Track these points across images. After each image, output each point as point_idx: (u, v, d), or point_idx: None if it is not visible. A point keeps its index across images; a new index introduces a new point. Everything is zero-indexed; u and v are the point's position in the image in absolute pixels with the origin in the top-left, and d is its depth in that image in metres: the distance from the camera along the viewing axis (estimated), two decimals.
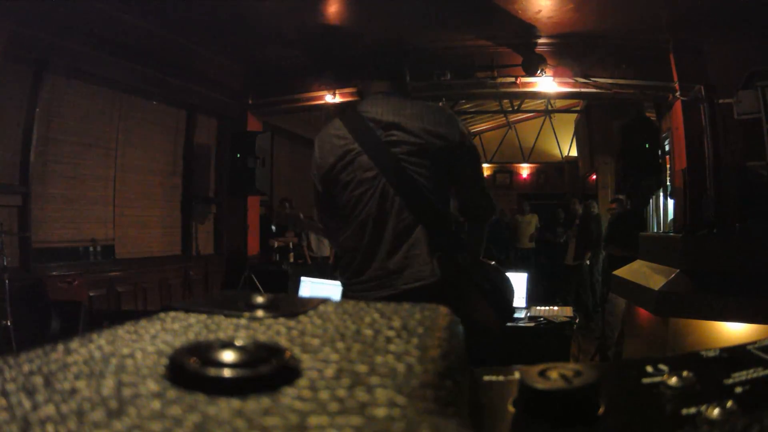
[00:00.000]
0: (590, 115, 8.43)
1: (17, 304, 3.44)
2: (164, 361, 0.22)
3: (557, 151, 12.06)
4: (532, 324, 3.26)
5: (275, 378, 0.20)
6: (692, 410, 0.27)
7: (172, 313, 0.30)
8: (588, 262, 6.52)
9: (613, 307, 4.09)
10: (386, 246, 1.55)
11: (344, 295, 1.76)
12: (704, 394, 0.29)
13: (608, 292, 5.90)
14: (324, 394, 0.19)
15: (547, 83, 5.21)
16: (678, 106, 4.97)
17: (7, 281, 3.38)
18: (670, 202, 5.97)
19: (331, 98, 5.64)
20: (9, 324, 3.32)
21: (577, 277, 6.61)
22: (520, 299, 3.66)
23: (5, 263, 3.42)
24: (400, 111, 1.59)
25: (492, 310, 1.58)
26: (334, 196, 1.65)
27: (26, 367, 0.21)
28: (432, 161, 1.56)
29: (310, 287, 3.19)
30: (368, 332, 0.27)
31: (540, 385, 0.26)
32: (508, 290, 1.66)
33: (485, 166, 12.35)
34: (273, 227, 6.25)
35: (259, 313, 0.30)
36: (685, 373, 0.30)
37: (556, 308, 3.57)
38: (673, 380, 0.29)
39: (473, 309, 1.54)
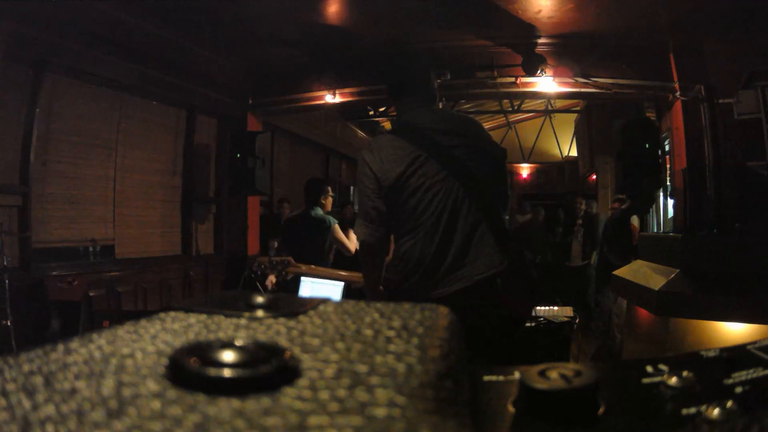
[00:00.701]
0: (590, 115, 8.43)
1: (17, 304, 3.44)
2: (164, 361, 0.22)
3: (557, 151, 12.06)
4: (532, 324, 3.25)
5: (275, 378, 0.20)
6: (692, 410, 0.27)
7: (172, 313, 0.30)
8: (593, 262, 6.52)
9: (621, 308, 4.09)
10: (458, 243, 1.65)
11: (401, 298, 1.77)
12: (704, 394, 0.29)
13: (597, 292, 5.96)
14: (324, 394, 0.19)
15: (547, 83, 5.21)
16: (678, 106, 4.97)
17: (7, 281, 3.38)
18: (670, 202, 5.97)
19: (331, 98, 5.64)
20: (9, 324, 3.32)
21: (582, 278, 6.60)
22: None
23: (5, 263, 3.42)
24: (449, 119, 1.81)
25: (533, 298, 1.79)
26: (399, 206, 1.72)
27: (26, 367, 0.21)
28: (486, 161, 1.73)
29: (310, 287, 3.19)
30: (368, 332, 0.27)
31: (540, 385, 0.26)
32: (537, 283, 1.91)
33: None
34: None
35: (259, 313, 0.30)
36: (685, 373, 0.30)
37: (556, 308, 3.57)
38: (673, 380, 0.29)
39: (528, 295, 1.75)
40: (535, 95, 6.53)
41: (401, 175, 1.69)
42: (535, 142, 12.16)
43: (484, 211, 1.69)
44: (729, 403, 0.26)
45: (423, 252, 1.69)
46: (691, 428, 0.26)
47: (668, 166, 5.49)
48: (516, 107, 9.89)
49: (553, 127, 11.77)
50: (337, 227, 3.72)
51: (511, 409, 0.28)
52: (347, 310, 0.31)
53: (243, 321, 0.29)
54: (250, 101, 6.14)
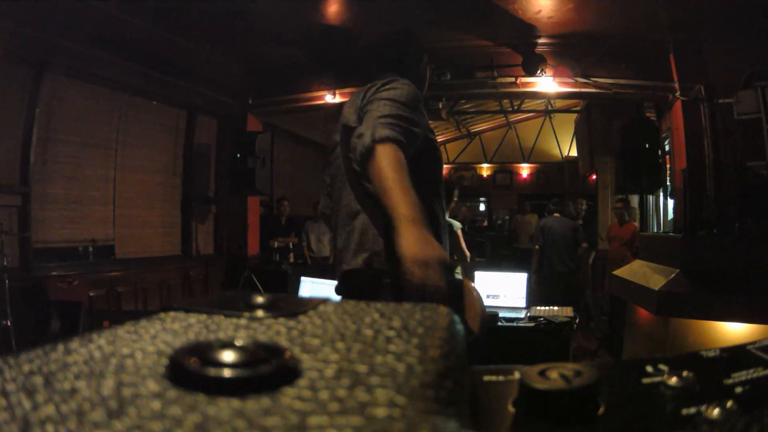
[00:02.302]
0: (590, 115, 8.42)
1: (17, 304, 3.44)
2: (164, 361, 0.22)
3: (557, 151, 12.06)
4: (532, 324, 3.25)
5: (275, 378, 0.20)
6: (692, 410, 0.27)
7: (172, 313, 0.30)
8: (590, 262, 6.53)
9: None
10: (338, 228, 1.54)
11: None
12: (704, 394, 0.29)
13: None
14: (324, 394, 0.19)
15: (547, 83, 5.21)
16: (678, 106, 4.97)
17: (7, 281, 3.38)
18: (670, 202, 5.97)
19: (331, 98, 5.65)
20: (9, 324, 3.32)
21: (582, 278, 6.61)
22: (520, 299, 3.66)
23: (5, 263, 3.42)
24: (367, 89, 1.50)
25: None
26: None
27: (26, 367, 0.21)
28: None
29: (310, 287, 3.18)
30: (368, 332, 0.27)
31: (540, 385, 0.26)
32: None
33: (484, 166, 12.37)
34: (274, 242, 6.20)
35: (259, 313, 0.30)
36: (685, 373, 0.30)
37: (556, 308, 3.57)
38: (673, 380, 0.29)
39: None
40: (535, 95, 6.53)
41: (332, 150, 1.61)
42: (535, 142, 12.16)
43: (361, 200, 1.45)
44: (729, 403, 0.26)
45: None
46: (691, 428, 0.26)
47: (668, 166, 5.48)
48: (516, 107, 9.90)
49: (553, 127, 11.77)
50: (460, 232, 3.76)
51: (511, 409, 0.28)
52: (347, 310, 0.31)
53: (243, 321, 0.29)
54: (250, 101, 6.14)
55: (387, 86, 1.44)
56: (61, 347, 0.24)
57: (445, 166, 12.44)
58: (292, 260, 6.19)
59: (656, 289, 2.64)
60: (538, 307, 3.57)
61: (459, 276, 3.51)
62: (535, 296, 4.09)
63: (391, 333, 0.26)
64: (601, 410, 0.27)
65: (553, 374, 0.26)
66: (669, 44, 4.88)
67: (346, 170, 1.49)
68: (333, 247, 1.56)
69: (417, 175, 1.27)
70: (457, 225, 3.77)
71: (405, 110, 1.37)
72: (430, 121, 1.54)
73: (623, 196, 5.80)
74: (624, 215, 5.65)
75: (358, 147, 1.32)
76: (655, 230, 6.35)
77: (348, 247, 1.45)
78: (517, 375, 0.30)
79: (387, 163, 1.26)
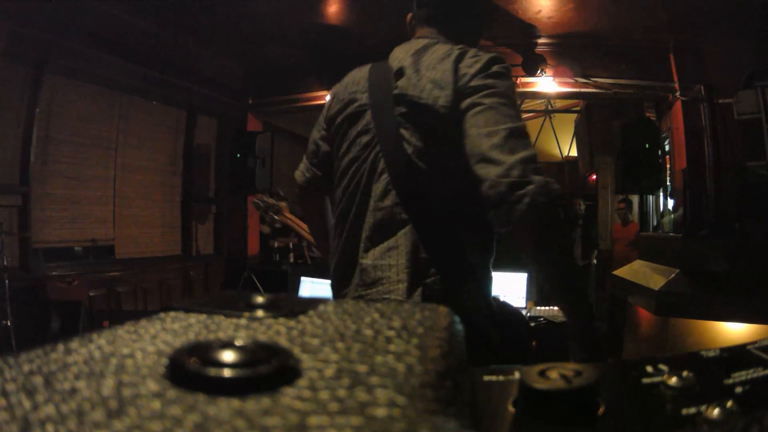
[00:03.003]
0: (590, 115, 8.42)
1: (17, 304, 3.44)
2: (164, 361, 0.22)
3: (557, 151, 12.05)
4: (532, 324, 3.25)
5: (275, 378, 0.20)
6: (692, 410, 0.27)
7: (172, 313, 0.30)
8: (595, 261, 6.53)
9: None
10: (363, 244, 1.11)
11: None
12: (704, 394, 0.29)
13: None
14: (324, 394, 0.19)
15: (547, 83, 5.22)
16: (678, 106, 4.97)
17: (7, 281, 3.38)
18: (670, 202, 5.97)
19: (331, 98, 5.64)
20: (9, 324, 3.32)
21: (584, 278, 6.61)
22: (520, 299, 3.66)
23: (5, 263, 3.42)
24: (420, 52, 1.13)
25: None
26: (330, 155, 1.27)
27: (26, 367, 0.21)
28: (432, 128, 1.07)
29: (310, 287, 3.18)
30: (368, 332, 0.27)
31: (540, 385, 0.26)
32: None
33: None
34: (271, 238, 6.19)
35: (259, 313, 0.30)
36: (685, 373, 0.30)
37: (556, 308, 3.57)
38: (673, 380, 0.29)
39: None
40: (535, 95, 6.53)
41: (333, 119, 1.23)
42: (535, 142, 12.03)
43: (412, 207, 1.07)
44: (729, 403, 0.26)
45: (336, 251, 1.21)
46: (691, 428, 0.26)
47: (668, 166, 5.49)
48: None
49: (553, 127, 11.76)
50: None
51: (511, 409, 0.28)
52: (347, 310, 0.31)
53: (243, 321, 0.29)
54: (250, 101, 6.14)
55: (494, 73, 1.04)
56: (61, 347, 0.24)
57: None
58: (292, 260, 6.19)
59: (656, 289, 2.64)
60: (538, 307, 3.57)
61: None
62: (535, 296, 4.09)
63: (391, 333, 0.26)
64: (601, 410, 0.27)
65: (553, 374, 0.26)
66: (669, 44, 4.88)
67: (389, 158, 1.08)
68: (334, 246, 1.21)
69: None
70: None
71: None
72: None
73: (625, 196, 5.80)
74: (627, 215, 5.65)
75: (505, 188, 0.92)
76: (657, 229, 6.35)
77: (388, 268, 1.06)
78: (517, 375, 0.30)
79: (556, 240, 0.98)
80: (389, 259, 1.06)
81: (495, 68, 1.05)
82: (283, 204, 2.32)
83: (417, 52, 1.13)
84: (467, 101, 1.01)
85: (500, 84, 1.03)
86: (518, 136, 0.97)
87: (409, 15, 1.31)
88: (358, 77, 1.22)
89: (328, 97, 1.31)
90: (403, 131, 1.08)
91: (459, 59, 1.07)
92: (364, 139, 1.13)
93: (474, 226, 1.08)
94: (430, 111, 1.05)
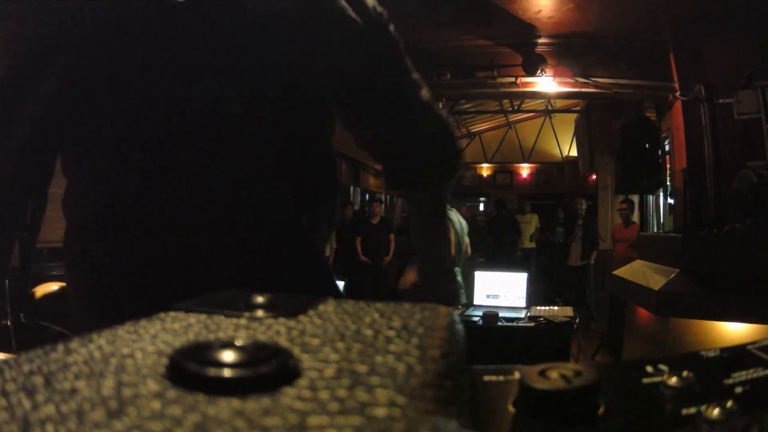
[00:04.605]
0: (590, 115, 8.43)
1: (17, 304, 3.43)
2: (164, 361, 0.22)
3: (557, 151, 12.06)
4: (532, 324, 3.26)
5: (275, 378, 0.20)
6: (692, 410, 0.27)
7: (172, 313, 0.30)
8: (593, 262, 6.54)
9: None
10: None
11: None
12: (704, 394, 0.29)
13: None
14: (324, 394, 0.19)
15: (547, 83, 5.22)
16: (678, 106, 4.98)
17: (7, 281, 3.38)
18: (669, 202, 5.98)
19: None
20: (9, 324, 3.32)
21: (582, 278, 6.62)
22: (520, 299, 3.66)
23: None
24: None
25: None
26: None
27: (26, 367, 0.21)
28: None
29: None
30: (368, 332, 0.27)
31: (540, 385, 0.26)
32: None
33: (484, 166, 12.36)
34: None
35: (259, 313, 0.30)
36: (685, 373, 0.30)
37: (556, 308, 3.57)
38: (673, 380, 0.29)
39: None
40: (535, 95, 6.54)
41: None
42: (535, 142, 12.16)
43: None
44: (729, 403, 0.26)
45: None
46: (691, 428, 0.26)
47: (668, 166, 5.49)
48: (516, 107, 9.90)
49: (553, 127, 11.77)
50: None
51: (511, 409, 0.28)
52: (347, 310, 0.31)
53: (243, 321, 0.29)
54: None
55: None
56: (61, 347, 0.24)
57: None
58: None
59: (656, 289, 2.64)
60: (538, 307, 3.57)
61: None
62: (535, 296, 4.09)
63: (391, 333, 0.27)
64: (601, 410, 0.27)
65: (553, 374, 0.26)
66: (669, 44, 4.88)
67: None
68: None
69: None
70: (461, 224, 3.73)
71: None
72: None
73: (627, 196, 5.81)
74: (629, 216, 5.65)
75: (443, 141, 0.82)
76: (655, 230, 6.36)
77: None
78: (517, 375, 0.30)
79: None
80: None
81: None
82: None
83: None
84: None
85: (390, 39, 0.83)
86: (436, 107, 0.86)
87: None
88: None
89: None
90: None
91: None
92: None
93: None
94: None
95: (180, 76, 0.74)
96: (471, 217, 9.12)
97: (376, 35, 0.77)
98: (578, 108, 9.49)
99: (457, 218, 3.87)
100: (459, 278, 3.45)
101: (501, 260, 7.30)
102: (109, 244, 0.81)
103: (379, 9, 0.79)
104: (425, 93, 0.81)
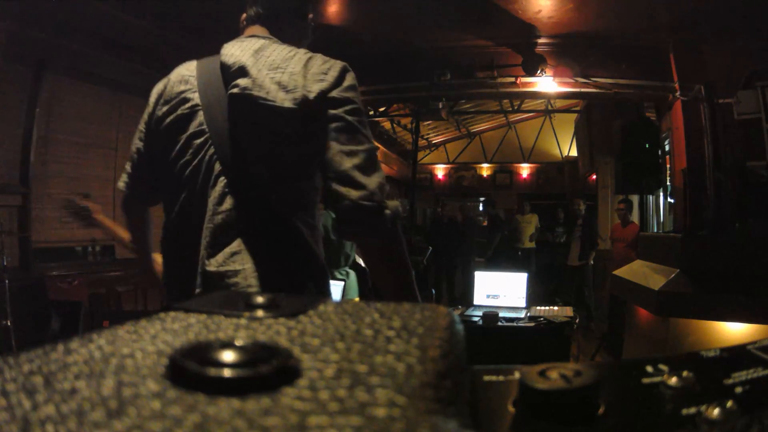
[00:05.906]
0: (590, 115, 8.42)
1: (17, 304, 3.44)
2: (164, 361, 0.22)
3: (557, 151, 12.05)
4: (532, 324, 3.25)
5: (275, 378, 0.20)
6: (692, 410, 0.27)
7: (172, 313, 0.30)
8: (592, 262, 6.54)
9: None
10: (204, 251, 1.07)
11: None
12: (704, 394, 0.29)
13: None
14: (324, 394, 0.19)
15: (547, 83, 5.22)
16: (678, 106, 4.97)
17: (7, 281, 3.38)
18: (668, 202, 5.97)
19: None
20: (9, 324, 3.32)
21: (581, 278, 6.62)
22: (520, 299, 3.66)
23: (5, 263, 3.42)
24: (260, 51, 1.11)
25: None
26: (155, 161, 1.23)
27: (26, 367, 0.21)
28: (274, 130, 1.06)
29: None
30: (368, 332, 0.27)
31: (540, 385, 0.26)
32: None
33: (484, 166, 12.36)
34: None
35: (259, 313, 0.30)
36: (685, 373, 0.30)
37: (556, 308, 3.57)
38: (673, 380, 0.29)
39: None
40: (535, 95, 6.53)
41: (161, 120, 1.19)
42: (535, 142, 12.16)
43: (247, 212, 1.06)
44: (729, 403, 0.26)
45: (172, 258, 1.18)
46: (691, 428, 0.26)
47: (668, 166, 5.49)
48: (516, 107, 9.89)
49: (553, 127, 11.76)
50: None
51: (511, 409, 0.28)
52: (347, 310, 0.31)
53: (243, 321, 0.29)
54: None
55: (352, 86, 1.10)
56: (61, 347, 0.24)
57: (445, 166, 12.48)
58: None
59: (656, 289, 2.64)
60: (538, 307, 3.57)
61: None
62: (535, 296, 4.09)
63: (391, 333, 0.26)
64: (601, 410, 0.27)
65: (553, 374, 0.26)
66: (669, 44, 4.88)
67: (225, 160, 1.07)
68: (169, 255, 1.24)
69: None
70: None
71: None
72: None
73: (626, 197, 5.80)
74: (627, 216, 5.65)
75: (365, 204, 0.99)
76: (655, 230, 6.36)
77: (234, 273, 1.04)
78: (517, 375, 0.30)
79: (406, 259, 1.06)
80: (234, 264, 1.04)
81: (351, 80, 1.10)
82: (89, 205, 2.08)
83: (257, 51, 1.11)
84: (331, 112, 1.04)
85: (358, 99, 1.08)
86: (375, 158, 1.05)
87: (244, 15, 1.28)
88: (186, 75, 1.20)
89: (151, 98, 1.26)
90: (240, 132, 1.08)
91: (308, 64, 1.10)
92: (197, 141, 1.11)
93: (311, 226, 1.12)
94: (275, 112, 1.04)
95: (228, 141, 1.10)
96: (471, 217, 9.11)
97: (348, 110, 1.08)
98: (578, 108, 9.49)
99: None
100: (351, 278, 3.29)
101: (499, 260, 7.31)
102: (169, 249, 1.21)
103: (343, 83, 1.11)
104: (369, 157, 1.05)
